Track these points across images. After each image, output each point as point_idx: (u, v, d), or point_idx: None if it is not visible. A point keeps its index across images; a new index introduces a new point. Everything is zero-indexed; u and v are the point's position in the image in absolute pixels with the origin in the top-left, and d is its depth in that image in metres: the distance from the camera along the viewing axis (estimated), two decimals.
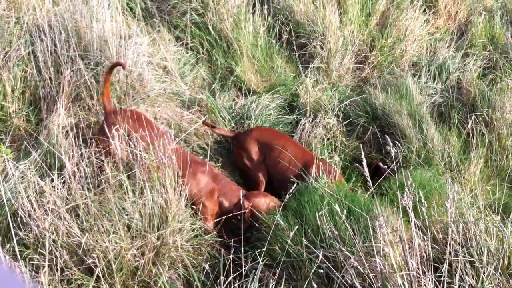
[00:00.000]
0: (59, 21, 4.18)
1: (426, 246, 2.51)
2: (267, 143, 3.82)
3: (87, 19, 4.19)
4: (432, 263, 2.49)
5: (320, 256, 2.40)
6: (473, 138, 4.07)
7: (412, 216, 2.43)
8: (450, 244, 2.65)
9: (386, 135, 3.80)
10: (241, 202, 3.19)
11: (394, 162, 2.93)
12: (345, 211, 2.54)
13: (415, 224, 2.47)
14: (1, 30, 4.24)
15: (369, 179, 2.46)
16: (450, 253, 2.63)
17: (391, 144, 2.58)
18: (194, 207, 3.26)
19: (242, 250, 2.72)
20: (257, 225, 3.19)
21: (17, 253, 2.65)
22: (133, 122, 3.34)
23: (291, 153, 3.65)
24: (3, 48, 4.11)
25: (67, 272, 2.81)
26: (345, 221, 2.70)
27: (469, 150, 4.02)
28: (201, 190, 3.31)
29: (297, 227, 2.56)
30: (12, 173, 2.93)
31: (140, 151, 3.06)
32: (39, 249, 2.82)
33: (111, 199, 2.94)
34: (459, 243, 2.67)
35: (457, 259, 2.68)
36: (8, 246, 2.83)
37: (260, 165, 3.85)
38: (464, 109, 4.40)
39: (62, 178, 3.02)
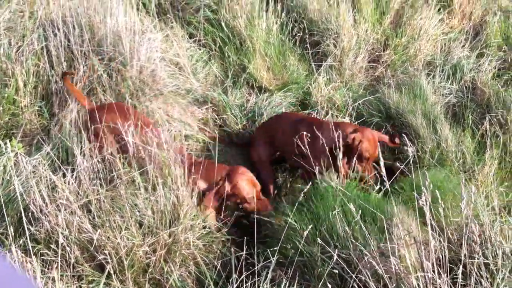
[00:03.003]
0: (73, 16, 4.18)
1: (442, 248, 2.47)
2: None
3: (100, 14, 4.18)
4: (448, 265, 2.45)
5: (335, 257, 2.37)
6: (488, 139, 4.01)
7: (429, 217, 2.39)
8: (464, 245, 2.61)
9: (403, 135, 3.78)
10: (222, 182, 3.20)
11: (411, 162, 2.89)
12: (360, 211, 2.51)
13: (431, 225, 2.44)
14: (14, 24, 4.24)
15: (385, 178, 2.43)
16: (465, 255, 2.59)
17: (409, 144, 2.54)
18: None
19: (255, 249, 2.71)
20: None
21: (30, 248, 2.65)
22: (120, 115, 3.36)
23: None
24: (16, 42, 4.11)
25: (78, 268, 2.80)
26: (360, 221, 2.67)
27: (483, 151, 3.97)
28: None
29: (311, 226, 2.53)
30: (24, 166, 2.92)
31: (153, 147, 3.04)
32: (50, 245, 2.82)
33: (123, 195, 2.93)
34: (474, 244, 2.63)
35: (472, 261, 2.64)
36: (20, 241, 2.83)
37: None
38: (478, 109, 4.35)
39: (74, 173, 3.01)
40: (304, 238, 2.75)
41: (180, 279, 2.85)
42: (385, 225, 2.53)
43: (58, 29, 4.07)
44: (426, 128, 3.93)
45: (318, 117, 4.22)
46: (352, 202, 2.93)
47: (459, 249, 2.76)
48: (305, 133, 3.42)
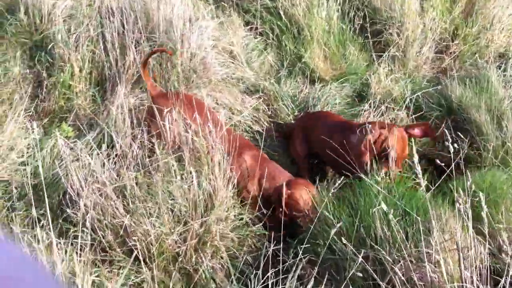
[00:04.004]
0: (130, 3, 4.21)
1: (483, 256, 2.25)
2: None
3: (155, 1, 4.18)
4: (489, 274, 2.23)
5: (360, 259, 2.21)
6: None
7: (469, 220, 2.18)
8: None
9: (458, 131, 3.51)
10: (282, 189, 3.04)
11: (453, 160, 2.66)
12: (392, 210, 2.33)
13: (472, 230, 2.22)
14: (75, 12, 4.34)
15: (420, 176, 2.22)
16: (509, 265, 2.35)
17: (450, 139, 2.32)
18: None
19: (281, 245, 2.61)
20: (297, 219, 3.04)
21: (64, 230, 2.69)
22: (183, 105, 3.28)
23: None
24: (75, 28, 4.20)
25: (111, 253, 2.81)
26: (396, 222, 2.49)
27: None
28: (243, 172, 3.20)
29: (340, 224, 2.38)
30: (64, 151, 2.97)
31: (189, 133, 3.00)
32: (85, 228, 2.85)
33: (159, 182, 2.91)
34: None
35: None
36: (56, 222, 2.88)
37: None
38: None
39: (113, 159, 3.03)
40: (336, 235, 2.61)
41: (210, 270, 2.79)
42: (422, 228, 2.32)
43: (114, 16, 4.12)
44: (490, 124, 3.62)
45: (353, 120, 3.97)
46: (392, 202, 2.75)
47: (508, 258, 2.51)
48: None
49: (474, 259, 2.23)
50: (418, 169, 2.21)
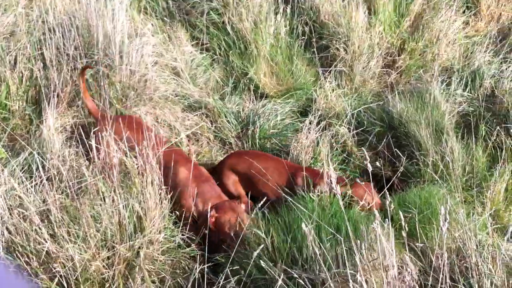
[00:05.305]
0: (71, 19, 4.12)
1: (403, 276, 2.22)
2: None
3: (99, 18, 4.09)
4: None
5: (280, 281, 2.15)
6: (504, 152, 3.65)
7: (390, 239, 2.15)
8: (443, 273, 2.34)
9: (398, 147, 3.51)
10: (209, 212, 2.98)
11: (385, 180, 2.64)
12: (313, 229, 2.28)
13: (390, 249, 2.19)
14: (17, 28, 4.23)
15: (339, 193, 2.18)
16: (442, 282, 2.32)
17: (368, 158, 2.28)
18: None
19: (207, 266, 2.53)
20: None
21: None
22: (126, 129, 3.18)
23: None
24: (14, 44, 4.09)
25: (36, 280, 2.70)
26: (326, 241, 2.45)
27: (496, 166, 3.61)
28: (178, 183, 3.11)
29: (262, 246, 2.32)
30: None
31: (118, 154, 2.91)
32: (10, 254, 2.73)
33: (83, 205, 2.80)
34: (452, 273, 2.36)
35: None
36: None
37: None
38: (494, 119, 3.97)
39: (40, 182, 2.92)
40: (267, 254, 2.56)
41: None
42: (345, 248, 2.28)
43: (55, 33, 4.02)
44: (429, 138, 3.61)
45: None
46: (326, 220, 2.72)
47: (441, 276, 2.48)
48: None
49: (398, 278, 2.19)
50: (338, 189, 2.17)
